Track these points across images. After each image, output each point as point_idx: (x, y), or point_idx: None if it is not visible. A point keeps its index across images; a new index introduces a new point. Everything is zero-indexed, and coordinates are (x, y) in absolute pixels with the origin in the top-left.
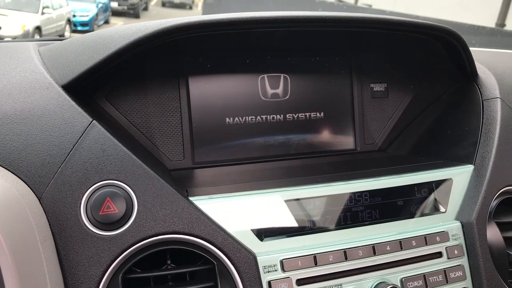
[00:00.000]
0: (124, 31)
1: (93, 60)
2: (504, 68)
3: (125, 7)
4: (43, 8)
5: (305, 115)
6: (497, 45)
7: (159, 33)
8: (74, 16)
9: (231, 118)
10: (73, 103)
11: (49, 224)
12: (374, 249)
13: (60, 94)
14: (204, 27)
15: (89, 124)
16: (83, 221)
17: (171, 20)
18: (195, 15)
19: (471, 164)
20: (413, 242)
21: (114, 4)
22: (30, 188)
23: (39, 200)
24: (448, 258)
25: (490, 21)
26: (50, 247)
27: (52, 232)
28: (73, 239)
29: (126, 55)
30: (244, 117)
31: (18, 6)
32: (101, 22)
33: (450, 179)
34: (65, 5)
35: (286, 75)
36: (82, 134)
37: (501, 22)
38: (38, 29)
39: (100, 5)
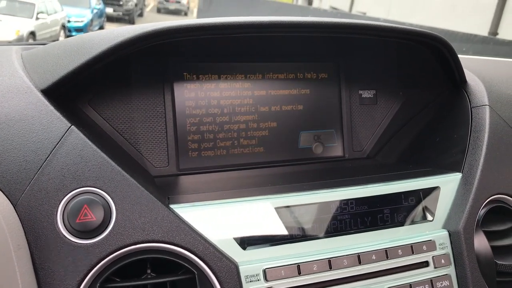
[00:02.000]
0: (105, 35)
1: (74, 64)
2: (493, 76)
3: (120, 13)
4: (38, 13)
5: None
6: (489, 53)
7: (140, 37)
8: (68, 21)
9: (217, 124)
10: (51, 108)
11: (24, 232)
12: (359, 258)
13: (38, 99)
14: (185, 31)
15: (68, 130)
16: (59, 229)
17: (153, 24)
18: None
19: (459, 172)
20: (399, 251)
21: (109, 10)
22: (5, 195)
23: (14, 207)
24: (435, 268)
25: (483, 30)
26: (24, 256)
27: (27, 240)
28: (49, 248)
29: (107, 59)
30: (230, 123)
31: (13, 11)
32: (96, 28)
33: (438, 187)
34: (60, 10)
35: (274, 80)
36: (60, 140)
37: (494, 31)
38: (32, 34)
39: (95, 10)
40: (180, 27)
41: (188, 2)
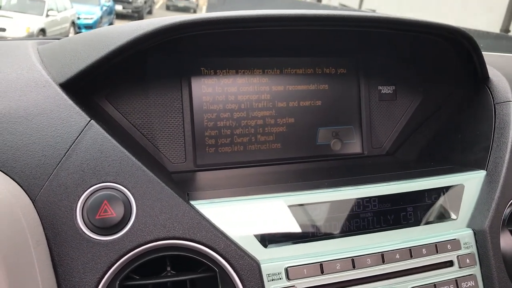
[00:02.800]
0: (124, 29)
1: (92, 58)
2: None
3: (130, 10)
4: (48, 10)
5: None
6: (502, 50)
7: (159, 31)
8: (78, 18)
9: (235, 120)
10: (70, 102)
11: (43, 228)
12: (383, 257)
13: (57, 93)
14: (205, 24)
15: (87, 124)
16: (78, 225)
17: (172, 17)
18: None
19: (483, 169)
20: (424, 250)
21: (119, 7)
22: (24, 190)
23: (33, 202)
24: (460, 267)
25: (494, 27)
26: (43, 252)
27: (46, 236)
28: (68, 244)
29: (126, 53)
30: (248, 119)
31: (23, 8)
32: (106, 25)
33: (462, 185)
34: (70, 7)
35: (292, 75)
36: (80, 134)
37: (506, 28)
38: (42, 31)
39: (104, 8)
40: (202, 20)
41: (197, 0)
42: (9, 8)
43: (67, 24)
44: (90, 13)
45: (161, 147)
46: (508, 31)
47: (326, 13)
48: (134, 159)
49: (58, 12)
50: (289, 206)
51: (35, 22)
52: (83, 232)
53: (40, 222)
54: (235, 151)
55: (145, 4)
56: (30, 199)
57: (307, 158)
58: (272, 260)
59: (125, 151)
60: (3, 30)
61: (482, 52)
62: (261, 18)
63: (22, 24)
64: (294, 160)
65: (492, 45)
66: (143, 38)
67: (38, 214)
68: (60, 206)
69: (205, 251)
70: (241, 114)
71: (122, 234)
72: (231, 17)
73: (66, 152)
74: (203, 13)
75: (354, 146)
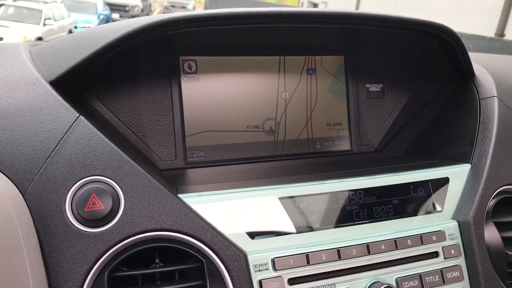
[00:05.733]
0: (113, 26)
1: (82, 55)
2: (501, 68)
3: (126, 19)
4: (45, 19)
5: None
6: (496, 53)
7: (148, 27)
8: (75, 27)
9: (225, 117)
10: (60, 98)
11: (33, 221)
12: (368, 248)
13: (47, 90)
14: (193, 21)
15: (76, 119)
16: (68, 217)
17: (161, 15)
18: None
19: (468, 163)
20: (409, 241)
21: (116, 16)
22: (14, 184)
23: (23, 196)
24: (445, 258)
25: (489, 32)
26: (33, 244)
27: (36, 228)
28: (57, 236)
29: (114, 50)
30: (237, 117)
31: (20, 17)
32: None
33: (447, 177)
34: (67, 16)
35: (280, 75)
36: (68, 130)
37: (500, 33)
38: (39, 40)
39: (101, 16)
40: (187, 17)
41: (194, 8)
42: (6, 17)
43: (64, 33)
44: (87, 21)
45: (151, 145)
46: (503, 35)
47: (311, 10)
48: (122, 153)
49: (55, 21)
50: (277, 199)
51: (32, 31)
52: (72, 224)
53: (30, 215)
54: (225, 148)
55: (142, 12)
56: (20, 192)
57: (296, 155)
58: (259, 251)
59: (113, 145)
60: (0, 39)
61: (470, 52)
62: (245, 16)
63: (19, 33)
64: (284, 157)
65: (486, 49)
66: (131, 35)
67: (28, 207)
68: (50, 199)
69: (192, 242)
70: (231, 111)
71: (111, 226)
72: (218, 14)
73: (55, 147)
74: (190, 11)
75: (343, 143)
